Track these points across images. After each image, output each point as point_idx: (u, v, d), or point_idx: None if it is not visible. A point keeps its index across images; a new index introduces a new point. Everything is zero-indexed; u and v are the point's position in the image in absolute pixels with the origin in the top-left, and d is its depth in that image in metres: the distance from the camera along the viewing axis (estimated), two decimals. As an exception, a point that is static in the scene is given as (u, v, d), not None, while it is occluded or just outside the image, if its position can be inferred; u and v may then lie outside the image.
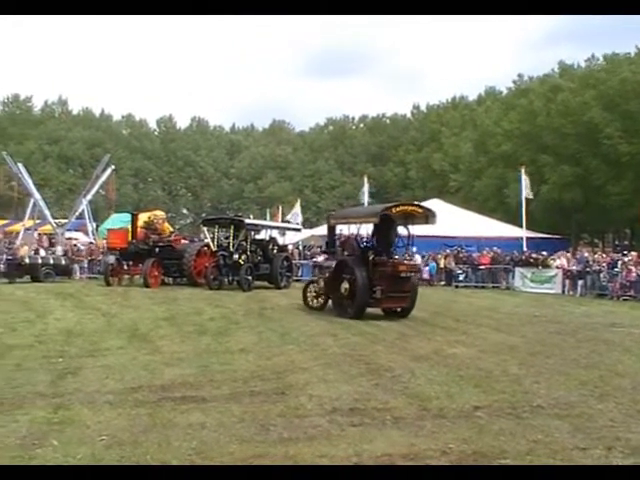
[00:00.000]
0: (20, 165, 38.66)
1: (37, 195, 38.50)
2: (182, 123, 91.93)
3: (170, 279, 26.84)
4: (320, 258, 19.72)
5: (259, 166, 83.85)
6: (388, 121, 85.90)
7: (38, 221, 39.96)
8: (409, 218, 17.11)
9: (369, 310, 16.51)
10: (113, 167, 40.59)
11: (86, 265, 31.12)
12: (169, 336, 12.37)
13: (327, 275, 17.54)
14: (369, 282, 16.10)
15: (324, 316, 16.33)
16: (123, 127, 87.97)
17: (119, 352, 10.51)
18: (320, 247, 17.93)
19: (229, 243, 24.65)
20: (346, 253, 17.46)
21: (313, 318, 15.91)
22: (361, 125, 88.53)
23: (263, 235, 27.09)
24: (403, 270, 16.47)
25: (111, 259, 26.27)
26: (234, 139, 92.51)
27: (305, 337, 12.65)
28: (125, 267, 26.16)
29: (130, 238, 26.08)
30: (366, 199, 37.15)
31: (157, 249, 25.71)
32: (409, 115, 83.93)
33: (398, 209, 16.82)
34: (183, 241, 28.84)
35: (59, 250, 31.97)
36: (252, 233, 25.75)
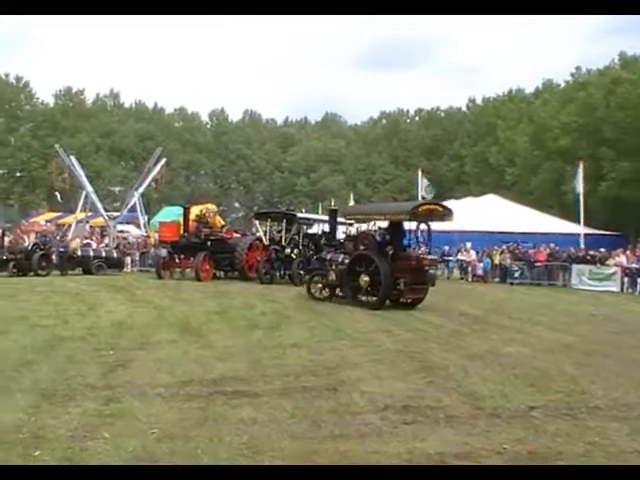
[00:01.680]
0: (72, 158, 39.12)
1: (89, 187, 38.95)
2: (234, 116, 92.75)
3: (221, 273, 27.08)
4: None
5: (312, 159, 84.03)
6: (443, 114, 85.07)
7: (90, 213, 40.61)
8: (430, 216, 17.63)
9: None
10: (165, 160, 40.93)
11: (137, 258, 31.58)
12: (220, 330, 12.47)
13: (340, 268, 18.27)
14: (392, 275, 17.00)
15: (378, 312, 16.28)
16: (175, 120, 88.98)
17: (170, 346, 10.61)
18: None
19: (281, 237, 24.77)
20: (362, 247, 18.02)
21: (366, 314, 15.87)
22: (416, 118, 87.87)
23: (315, 229, 27.14)
24: (427, 264, 17.50)
25: (163, 252, 26.58)
26: (287, 132, 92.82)
27: (358, 333, 12.64)
28: (177, 260, 26.46)
29: (182, 231, 26.38)
30: (422, 193, 36.87)
31: (209, 242, 25.94)
32: (464, 108, 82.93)
33: (424, 207, 17.68)
34: (235, 235, 28.99)
35: (111, 243, 32.57)
36: (304, 227, 25.82)
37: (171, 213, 35.99)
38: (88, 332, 11.59)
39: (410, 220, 17.51)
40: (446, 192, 63.12)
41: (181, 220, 27.13)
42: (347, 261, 18.21)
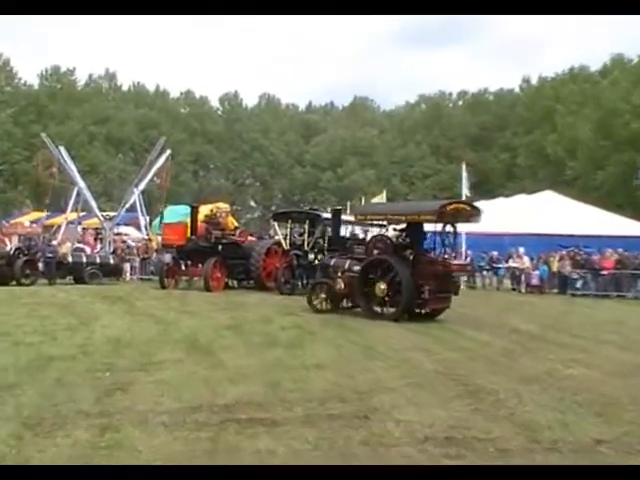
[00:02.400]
0: (61, 149, 39.27)
1: (81, 183, 39.04)
2: (249, 101, 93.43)
3: (235, 282, 27.18)
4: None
5: (338, 151, 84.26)
6: (492, 97, 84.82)
7: (82, 213, 40.83)
8: (456, 216, 17.92)
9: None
10: (169, 152, 40.89)
11: (138, 264, 31.82)
12: (233, 348, 12.48)
13: (349, 275, 18.54)
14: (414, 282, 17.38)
15: (414, 327, 16.23)
16: (181, 106, 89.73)
17: (176, 366, 10.63)
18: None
19: (303, 241, 24.79)
20: (376, 251, 18.27)
21: (401, 330, 15.82)
22: (460, 103, 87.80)
23: (343, 232, 27.12)
24: (455, 269, 18.17)
25: (167, 258, 26.77)
26: (309, 120, 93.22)
27: (392, 351, 12.59)
28: (183, 267, 26.63)
29: (189, 234, 26.52)
30: (465, 191, 36.73)
31: (220, 247, 26.08)
32: (517, 90, 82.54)
33: (451, 207, 17.84)
34: (250, 238, 29.12)
35: (107, 247, 32.77)
36: (330, 229, 25.81)
37: (176, 213, 36.09)
38: (80, 350, 11.62)
39: (436, 222, 17.68)
40: (495, 188, 62.98)
41: (188, 221, 27.26)
42: (356, 267, 18.48)
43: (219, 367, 10.60)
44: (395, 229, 19.33)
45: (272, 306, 20.01)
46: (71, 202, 40.25)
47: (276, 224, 28.52)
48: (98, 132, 77.07)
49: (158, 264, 28.65)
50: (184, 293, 23.97)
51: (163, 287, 25.57)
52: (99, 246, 34.15)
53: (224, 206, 32.16)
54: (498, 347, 13.76)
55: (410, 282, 17.24)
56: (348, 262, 19.06)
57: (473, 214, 18.32)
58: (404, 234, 18.55)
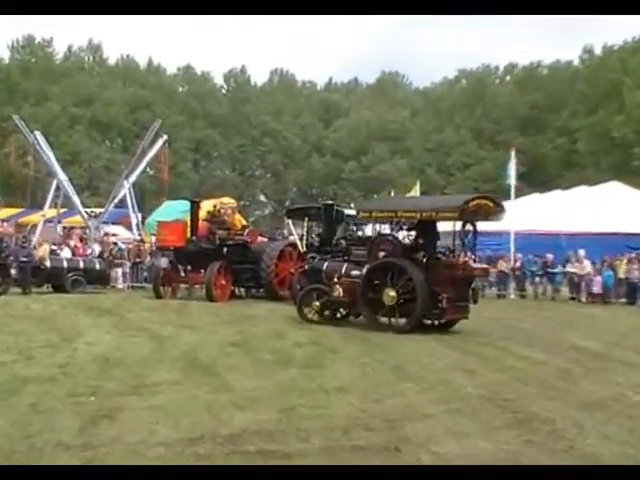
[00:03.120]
0: (37, 134, 39.35)
1: (61, 175, 39.16)
2: (259, 78, 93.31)
3: (242, 290, 27.19)
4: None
5: (363, 136, 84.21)
6: (546, 72, 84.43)
7: (63, 210, 41.00)
8: (477, 213, 18.20)
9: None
10: (166, 137, 41.02)
11: (128, 270, 31.89)
12: (240, 368, 12.51)
13: (348, 281, 18.88)
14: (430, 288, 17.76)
15: (452, 343, 16.23)
16: (178, 83, 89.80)
17: (173, 389, 10.68)
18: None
19: (322, 241, 24.78)
20: (382, 253, 18.52)
21: (437, 345, 15.84)
22: (507, 78, 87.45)
23: (369, 230, 27.10)
24: (477, 274, 18.74)
25: (163, 262, 26.79)
26: (329, 100, 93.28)
27: (427, 372, 12.58)
28: (182, 273, 26.68)
29: (189, 234, 26.55)
30: (513, 182, 36.64)
31: (225, 249, 26.11)
32: (577, 62, 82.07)
33: (474, 202, 18.10)
34: (260, 239, 29.13)
35: (92, 249, 32.87)
36: (354, 228, 25.81)
37: (174, 210, 36.19)
38: (61, 371, 11.67)
39: (458, 219, 18.04)
40: (550, 179, 62.66)
41: (187, 219, 27.31)
42: (354, 272, 18.85)
43: (224, 390, 10.63)
44: (402, 228, 19.42)
45: (285, 319, 20.03)
46: (49, 197, 40.36)
47: (290, 222, 28.56)
48: (80, 114, 77.19)
49: (152, 269, 28.72)
50: (183, 303, 24.02)
51: (158, 296, 25.63)
52: (88, 250, 34.12)
53: (230, 201, 32.14)
54: (554, 367, 13.72)
55: (425, 288, 17.53)
56: (345, 266, 19.38)
57: (495, 211, 18.60)
58: (414, 234, 18.81)
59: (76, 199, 39.05)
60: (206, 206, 28.68)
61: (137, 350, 14.13)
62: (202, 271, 25.89)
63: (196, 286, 26.85)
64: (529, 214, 34.62)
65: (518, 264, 32.75)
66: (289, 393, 10.54)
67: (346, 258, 20.06)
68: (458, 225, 18.55)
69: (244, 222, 32.95)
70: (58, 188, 39.29)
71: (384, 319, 18.15)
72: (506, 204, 34.10)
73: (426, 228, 18.60)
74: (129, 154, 47.27)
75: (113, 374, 11.61)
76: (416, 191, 39.73)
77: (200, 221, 26.96)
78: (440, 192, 66.81)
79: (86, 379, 11.12)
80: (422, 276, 17.64)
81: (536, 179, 63.85)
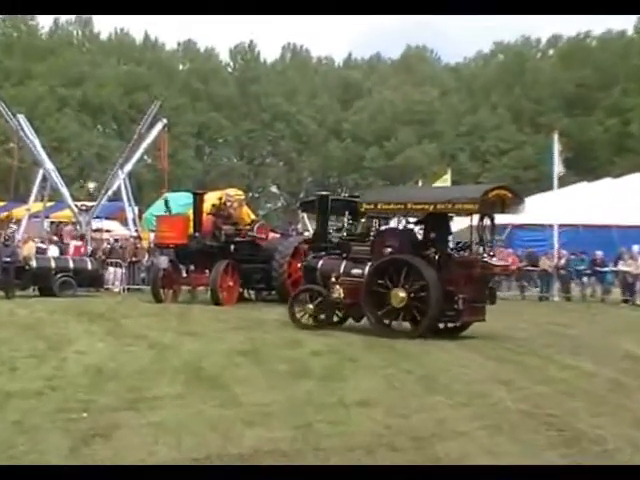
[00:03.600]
0: (21, 117, 39.45)
1: (48, 164, 39.24)
2: (269, 54, 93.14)
3: (252, 292, 27.20)
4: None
5: (387, 119, 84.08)
6: (595, 44, 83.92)
7: (50, 204, 41.07)
8: (496, 205, 18.32)
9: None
10: (165, 122, 40.98)
11: (124, 270, 31.95)
12: (250, 380, 12.52)
13: (349, 280, 19.02)
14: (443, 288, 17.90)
15: (487, 351, 16.23)
16: (179, 61, 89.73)
17: (175, 403, 10.69)
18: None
19: (342, 237, 24.78)
20: (388, 250, 18.54)
21: (470, 353, 15.84)
22: (550, 52, 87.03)
23: (394, 225, 27.08)
24: (497, 272, 19.18)
25: (163, 262, 26.82)
26: (349, 78, 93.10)
27: (460, 384, 12.56)
28: (184, 274, 26.71)
29: (191, 230, 26.59)
30: (558, 169, 36.52)
31: (232, 247, 26.14)
32: (631, 32, 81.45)
33: (494, 193, 18.28)
34: (272, 235, 29.13)
35: (74, 248, 32.90)
36: (377, 222, 25.79)
37: (175, 203, 36.15)
38: (48, 384, 11.67)
39: (477, 212, 18.09)
40: (600, 166, 62.47)
41: (190, 213, 27.33)
42: (355, 270, 19.02)
43: (231, 405, 10.63)
44: (409, 221, 19.62)
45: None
46: (35, 189, 40.33)
47: (305, 216, 28.53)
48: (69, 95, 77.13)
49: (151, 270, 28.78)
50: (185, 307, 24.09)
51: (158, 300, 25.68)
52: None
53: (237, 193, 32.19)
54: (605, 379, 13.65)
55: (439, 288, 17.62)
56: (344, 264, 19.42)
57: (515, 203, 18.68)
58: (425, 228, 18.93)
59: (65, 191, 39.08)
60: (211, 198, 28.71)
61: (134, 360, 14.15)
62: (206, 271, 25.94)
63: (200, 288, 26.89)
64: (575, 205, 34.53)
65: (563, 262, 32.59)
66: (305, 408, 10.54)
67: (344, 255, 20.02)
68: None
69: (253, 216, 33.00)
70: (45, 179, 39.30)
71: (387, 321, 18.36)
72: (549, 194, 34.30)
73: (438, 221, 18.68)
74: (124, 140, 47.27)
75: (107, 387, 11.62)
76: (446, 180, 39.66)
77: (204, 215, 26.97)
78: (474, 181, 66.69)
79: (77, 393, 11.11)
80: (435, 275, 17.75)
81: (583, 166, 63.63)
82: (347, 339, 17.54)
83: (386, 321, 18.41)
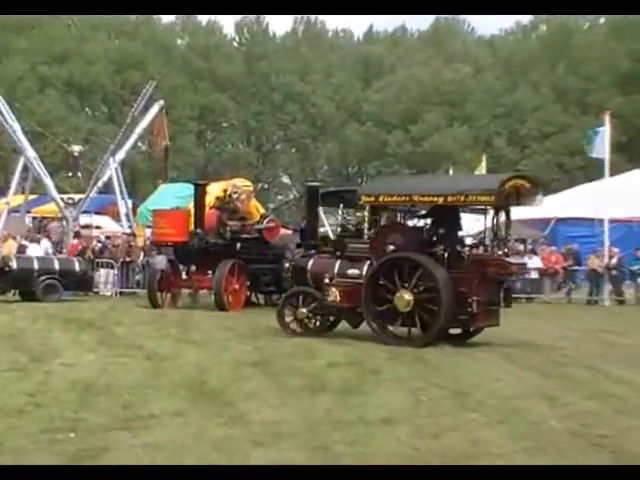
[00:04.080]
0: None
1: (30, 151, 39.08)
2: (278, 28, 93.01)
3: (261, 296, 27.23)
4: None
5: (413, 100, 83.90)
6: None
7: (32, 197, 41.16)
8: (512, 196, 18.49)
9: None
10: (162, 103, 41.03)
11: (117, 272, 32.02)
12: (260, 394, 12.52)
13: (346, 282, 19.15)
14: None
15: (527, 362, 16.18)
16: (178, 35, 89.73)
17: (174, 421, 10.68)
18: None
19: (362, 234, 24.79)
20: (390, 247, 18.50)
21: (509, 365, 15.80)
22: (601, 21, 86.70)
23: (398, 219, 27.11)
24: (516, 271, 19.73)
25: (160, 262, 26.89)
26: (370, 54, 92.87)
27: (497, 399, 12.52)
28: (184, 275, 26.74)
29: (193, 226, 26.60)
30: (608, 155, 36.43)
31: (239, 245, 26.15)
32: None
33: (511, 183, 18.37)
34: (283, 231, 29.15)
35: (69, 246, 33.01)
36: (401, 216, 25.78)
37: (174, 195, 36.20)
38: (31, 400, 11.67)
39: (493, 204, 18.20)
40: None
41: (190, 207, 27.34)
42: (352, 271, 19.13)
43: (239, 423, 10.62)
44: (414, 215, 19.86)
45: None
46: (15, 179, 40.39)
47: (321, 210, 28.51)
48: (54, 74, 77.14)
49: (147, 271, 28.86)
50: (186, 313, 24.13)
51: (155, 305, 25.72)
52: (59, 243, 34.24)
53: (244, 184, 32.14)
54: (661, 392, 13.62)
55: (450, 290, 17.61)
56: (338, 263, 19.49)
57: (532, 193, 18.71)
58: (432, 222, 19.03)
59: (49, 182, 38.96)
60: (214, 190, 28.73)
61: (128, 373, 14.14)
62: (209, 273, 25.98)
63: (202, 292, 26.92)
64: (629, 197, 34.46)
65: (614, 261, 32.50)
66: (321, 426, 10.52)
67: (338, 254, 19.98)
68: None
69: (262, 210, 33.01)
70: (26, 168, 39.25)
71: (392, 328, 18.44)
72: (599, 184, 34.25)
73: (446, 215, 18.75)
74: (116, 125, 47.32)
75: (97, 404, 11.61)
76: (482, 168, 39.71)
77: (207, 209, 26.98)
78: (512, 169, 66.56)
79: (63, 411, 11.09)
80: (446, 275, 17.77)
81: (637, 151, 63.49)
82: (368, 349, 17.49)
83: (390, 327, 18.47)
